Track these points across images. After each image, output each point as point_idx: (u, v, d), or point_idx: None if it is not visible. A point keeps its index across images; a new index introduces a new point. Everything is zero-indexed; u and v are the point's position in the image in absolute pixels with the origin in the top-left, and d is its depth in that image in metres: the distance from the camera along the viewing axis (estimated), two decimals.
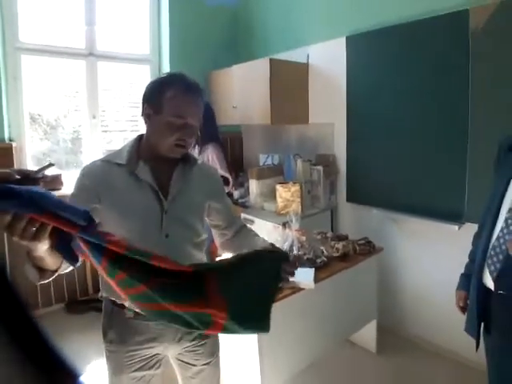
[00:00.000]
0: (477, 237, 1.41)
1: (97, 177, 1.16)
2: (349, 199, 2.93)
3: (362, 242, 2.31)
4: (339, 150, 2.97)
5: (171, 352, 1.29)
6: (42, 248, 0.77)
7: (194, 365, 1.32)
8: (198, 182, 1.27)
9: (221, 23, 3.79)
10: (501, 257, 1.16)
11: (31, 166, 2.99)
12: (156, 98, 1.14)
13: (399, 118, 2.51)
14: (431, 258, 2.48)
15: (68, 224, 0.72)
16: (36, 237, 0.71)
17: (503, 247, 1.14)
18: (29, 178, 1.15)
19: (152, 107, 1.16)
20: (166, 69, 3.56)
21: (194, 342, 1.28)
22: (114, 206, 1.14)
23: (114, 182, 1.16)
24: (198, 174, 1.28)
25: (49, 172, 1.12)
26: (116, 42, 3.40)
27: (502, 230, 1.18)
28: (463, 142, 2.20)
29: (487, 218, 1.29)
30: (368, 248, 2.28)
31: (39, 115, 3.18)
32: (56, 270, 0.92)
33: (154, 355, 1.25)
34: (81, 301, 3.17)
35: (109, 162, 1.19)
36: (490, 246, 1.21)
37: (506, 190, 1.23)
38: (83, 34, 3.21)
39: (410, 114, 2.46)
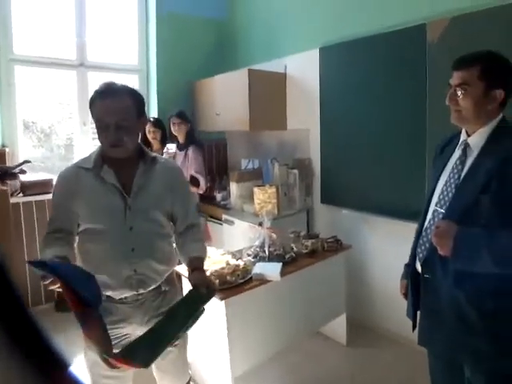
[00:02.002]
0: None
1: (69, 181, 1.37)
2: (323, 201, 3.09)
3: (331, 239, 2.47)
4: (314, 154, 3.14)
5: (139, 333, 1.43)
6: None
7: None
8: (159, 177, 1.42)
9: (206, 35, 3.98)
10: (427, 245, 1.31)
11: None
12: (90, 107, 1.33)
13: (367, 126, 2.68)
14: (396, 254, 2.62)
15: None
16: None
17: (429, 236, 1.30)
18: (7, 173, 1.35)
19: (92, 116, 1.34)
20: (154, 78, 3.74)
21: None
22: (84, 204, 1.34)
23: (84, 185, 1.35)
24: (160, 170, 1.43)
25: (26, 167, 1.31)
26: (105, 52, 3.58)
27: (429, 221, 1.34)
28: (422, 150, 2.36)
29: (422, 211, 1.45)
30: (336, 245, 2.44)
31: (33, 123, 3.34)
32: None
33: (125, 335, 1.41)
34: None
35: (78, 167, 1.39)
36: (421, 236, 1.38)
37: (435, 186, 1.39)
38: (74, 45, 3.39)
39: (376, 122, 2.62)
